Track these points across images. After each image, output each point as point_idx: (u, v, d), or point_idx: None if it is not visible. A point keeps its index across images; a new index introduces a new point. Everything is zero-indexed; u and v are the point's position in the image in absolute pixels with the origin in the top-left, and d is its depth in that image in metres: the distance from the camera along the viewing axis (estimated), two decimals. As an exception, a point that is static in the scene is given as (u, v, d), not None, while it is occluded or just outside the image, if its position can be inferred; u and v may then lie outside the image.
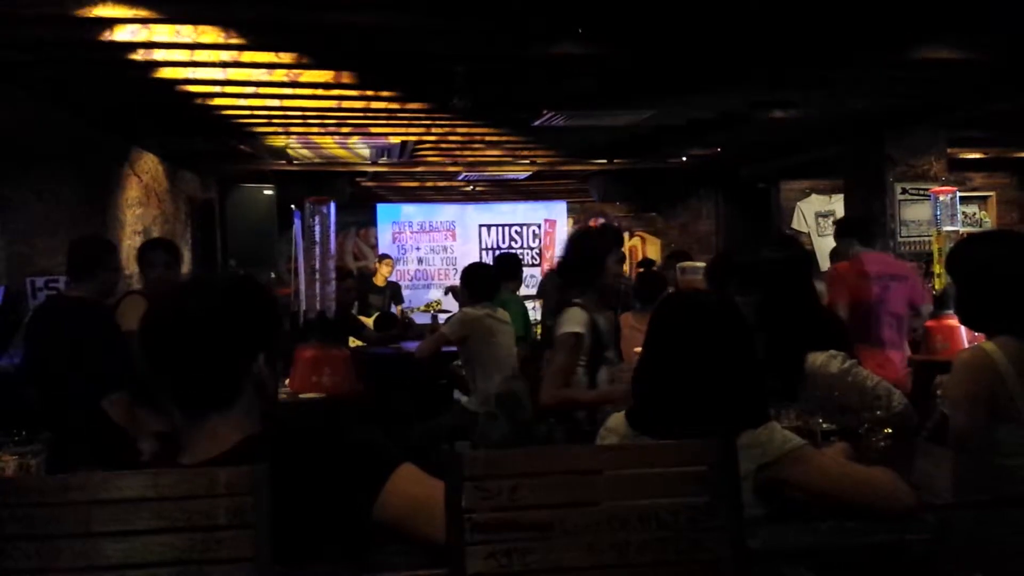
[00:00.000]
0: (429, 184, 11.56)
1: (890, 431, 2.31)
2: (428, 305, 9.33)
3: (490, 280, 5.51)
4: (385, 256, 10.15)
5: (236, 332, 1.56)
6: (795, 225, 10.54)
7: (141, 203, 7.50)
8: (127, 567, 1.33)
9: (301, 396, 4.39)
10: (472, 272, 5.58)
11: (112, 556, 1.34)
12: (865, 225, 5.26)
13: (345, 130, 7.53)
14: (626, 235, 12.79)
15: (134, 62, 5.00)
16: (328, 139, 7.97)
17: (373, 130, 7.53)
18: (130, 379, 3.76)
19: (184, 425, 1.55)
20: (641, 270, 7.66)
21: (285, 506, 1.40)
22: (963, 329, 4.69)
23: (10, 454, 1.99)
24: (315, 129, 7.50)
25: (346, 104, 6.48)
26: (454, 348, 5.60)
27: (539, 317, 8.22)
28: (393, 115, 6.97)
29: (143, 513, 1.36)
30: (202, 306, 1.55)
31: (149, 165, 7.80)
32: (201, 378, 1.54)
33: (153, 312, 1.60)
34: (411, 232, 12.32)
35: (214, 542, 1.35)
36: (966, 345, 4.52)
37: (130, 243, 7.18)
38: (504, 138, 8.30)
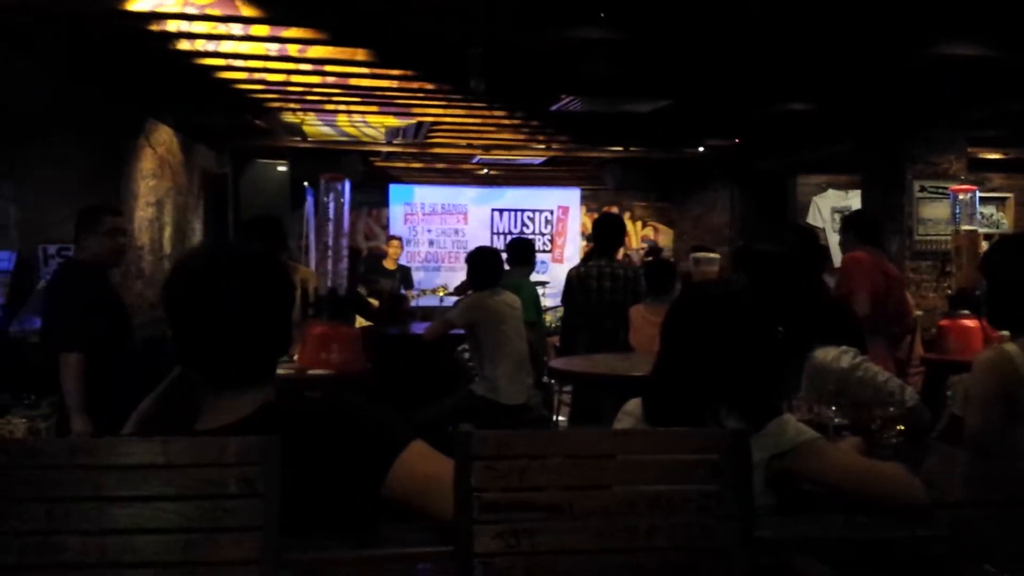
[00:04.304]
0: (442, 166, 11.54)
1: (902, 428, 2.29)
2: (435, 289, 9.32)
3: (495, 267, 5.46)
4: (394, 237, 10.05)
5: (273, 305, 1.57)
6: (810, 219, 10.49)
7: (155, 175, 7.50)
8: (136, 532, 1.33)
9: (309, 372, 4.39)
10: (477, 259, 5.52)
11: (121, 521, 1.33)
12: (868, 223, 5.13)
13: (361, 109, 7.51)
14: (639, 224, 12.77)
15: (152, 33, 4.99)
16: (344, 117, 7.96)
17: (390, 109, 7.51)
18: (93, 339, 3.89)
19: (206, 392, 1.56)
20: (650, 259, 7.64)
21: (296, 477, 1.39)
22: (978, 329, 4.65)
23: (19, 417, 1.99)
24: (330, 106, 7.49)
25: (362, 82, 6.47)
26: (461, 331, 5.60)
27: (550, 303, 8.24)
28: (409, 95, 6.95)
29: (153, 479, 1.35)
30: (244, 283, 1.55)
31: (164, 137, 7.80)
32: (242, 357, 1.55)
33: (184, 286, 1.57)
34: (423, 214, 12.31)
35: (223, 510, 1.35)
36: (981, 345, 4.48)
37: (143, 214, 7.20)
38: (520, 122, 8.26)
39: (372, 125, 8.38)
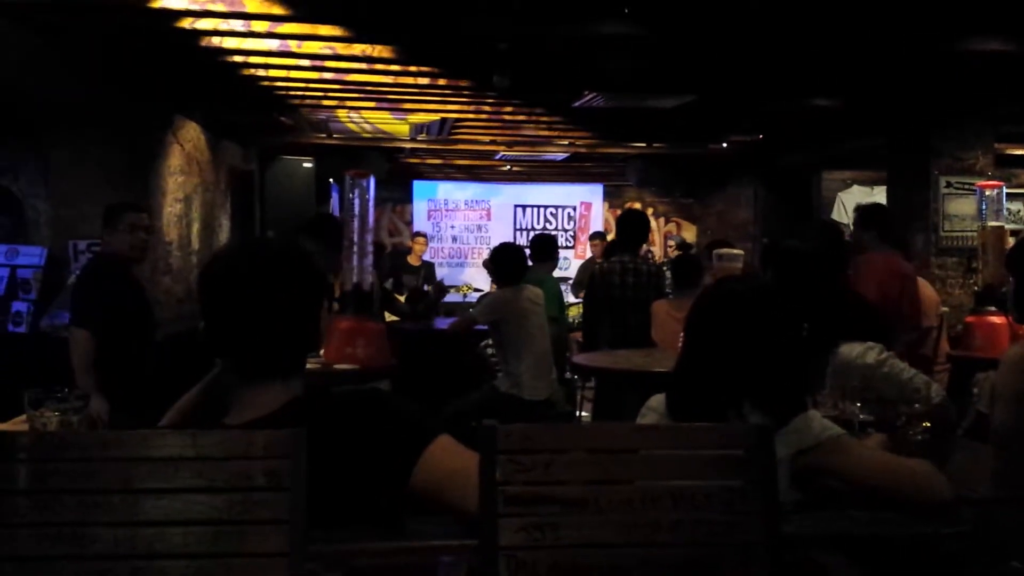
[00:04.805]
0: (466, 163, 11.56)
1: (928, 425, 2.27)
2: (459, 287, 9.37)
3: (519, 264, 5.48)
4: (419, 234, 10.12)
5: (304, 300, 1.59)
6: (835, 216, 10.41)
7: (183, 171, 7.57)
8: (166, 524, 1.35)
9: (335, 366, 4.42)
10: (501, 255, 5.54)
11: (152, 513, 1.35)
12: (890, 221, 5.08)
13: (386, 105, 7.54)
14: (662, 221, 12.73)
15: (181, 31, 5.04)
16: (369, 114, 7.99)
17: (413, 106, 7.53)
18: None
19: (236, 386, 1.58)
20: (679, 253, 7.62)
21: (323, 471, 1.41)
22: (1005, 325, 4.60)
23: (51, 410, 2.02)
24: (357, 103, 7.52)
25: (388, 79, 6.49)
26: (485, 327, 5.62)
27: (572, 299, 8.25)
28: (434, 91, 6.97)
29: (182, 472, 1.37)
30: (270, 275, 1.57)
31: (192, 134, 7.86)
32: (271, 351, 1.57)
33: (214, 281, 1.60)
34: (446, 210, 12.35)
35: (251, 503, 1.36)
36: (1007, 341, 4.44)
37: (171, 210, 7.26)
38: (543, 118, 8.26)
39: (387, 123, 8.40)
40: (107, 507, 1.35)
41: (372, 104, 7.53)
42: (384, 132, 8.98)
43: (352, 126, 8.57)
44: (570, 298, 8.13)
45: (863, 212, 5.06)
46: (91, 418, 3.83)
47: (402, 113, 7.88)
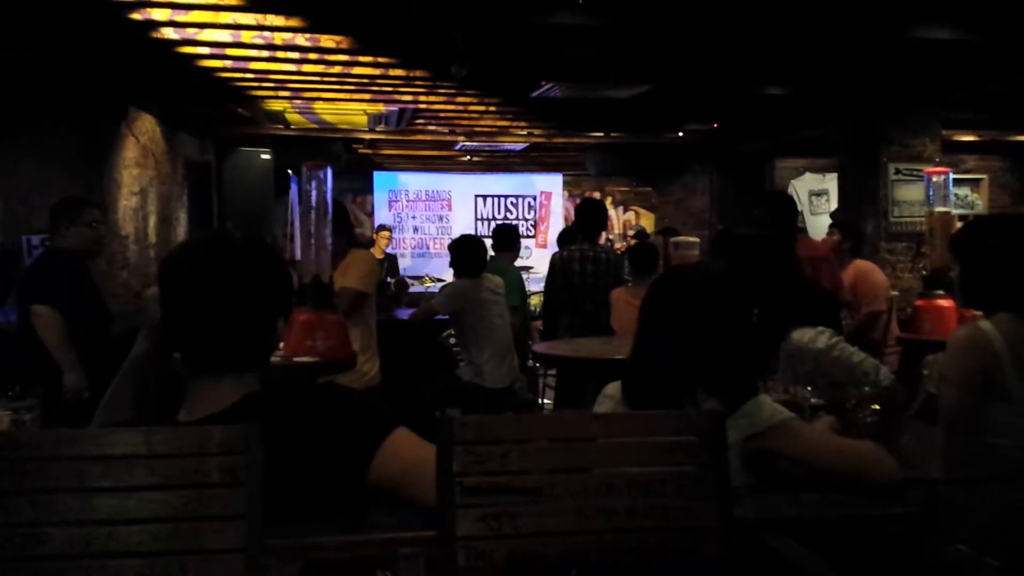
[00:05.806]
0: (426, 153, 11.53)
1: (877, 407, 2.32)
2: (422, 278, 9.36)
3: (479, 256, 5.47)
4: (383, 227, 10.08)
5: (267, 294, 1.58)
6: (789, 203, 10.53)
7: (138, 164, 7.46)
8: (120, 523, 1.34)
9: (295, 359, 4.39)
10: (460, 247, 5.53)
11: (105, 511, 1.34)
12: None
13: (343, 96, 7.49)
14: (620, 209, 12.80)
15: (134, 22, 4.97)
16: (326, 104, 7.93)
17: (370, 96, 7.49)
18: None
19: (192, 381, 1.57)
20: (635, 242, 7.67)
21: (281, 465, 1.41)
22: (953, 309, 4.69)
23: (3, 409, 2.00)
24: (313, 94, 7.46)
25: (345, 69, 6.45)
26: (447, 316, 5.62)
27: (534, 288, 8.27)
28: (391, 81, 6.94)
29: (136, 469, 1.36)
30: (235, 268, 1.56)
31: (147, 126, 7.75)
32: (230, 342, 1.55)
33: (178, 272, 1.58)
34: (407, 201, 12.31)
35: (206, 499, 1.36)
36: (955, 325, 4.52)
37: (127, 203, 7.16)
38: (502, 108, 8.26)
39: (352, 113, 8.34)
40: (60, 507, 1.34)
41: (328, 95, 7.47)
42: (343, 122, 8.92)
43: (325, 115, 8.49)
44: (532, 287, 8.15)
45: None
46: (75, 394, 3.78)
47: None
